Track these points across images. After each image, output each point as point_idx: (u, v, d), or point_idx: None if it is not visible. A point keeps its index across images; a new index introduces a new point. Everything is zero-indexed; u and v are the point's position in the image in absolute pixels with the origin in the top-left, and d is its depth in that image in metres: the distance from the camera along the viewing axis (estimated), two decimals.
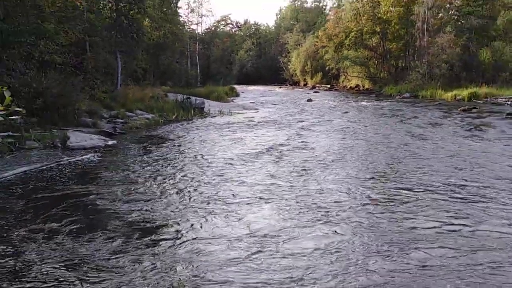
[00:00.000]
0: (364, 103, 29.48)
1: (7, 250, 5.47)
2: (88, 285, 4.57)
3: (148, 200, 7.66)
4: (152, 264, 5.10)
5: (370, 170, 9.85)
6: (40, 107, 14.37)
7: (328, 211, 6.93)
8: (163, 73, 34.22)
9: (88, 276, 4.78)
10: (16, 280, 4.68)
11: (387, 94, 36.72)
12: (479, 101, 27.16)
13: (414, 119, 19.55)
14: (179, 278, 4.43)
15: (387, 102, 29.34)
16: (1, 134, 12.35)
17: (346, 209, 7.04)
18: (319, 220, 6.55)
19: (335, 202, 7.45)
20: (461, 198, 7.66)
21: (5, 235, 5.99)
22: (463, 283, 4.55)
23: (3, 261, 5.14)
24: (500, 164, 10.41)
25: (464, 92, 29.16)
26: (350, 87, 48.80)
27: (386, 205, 7.27)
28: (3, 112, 3.30)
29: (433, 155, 11.51)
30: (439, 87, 32.22)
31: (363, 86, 46.48)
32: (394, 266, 5.00)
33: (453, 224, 6.35)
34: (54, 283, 4.62)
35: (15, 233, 6.06)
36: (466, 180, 8.85)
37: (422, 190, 8.18)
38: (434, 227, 6.22)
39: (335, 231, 6.09)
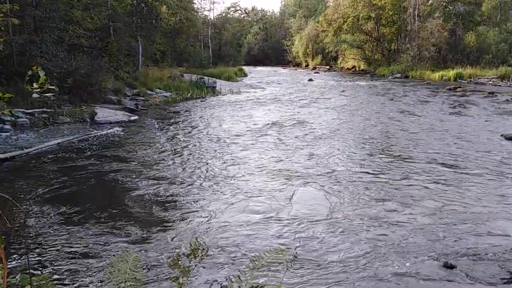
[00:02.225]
0: (359, 82, 29.20)
1: (46, 207, 5.58)
2: (117, 242, 4.66)
3: (167, 168, 7.73)
4: (170, 228, 5.18)
5: (364, 142, 9.84)
6: (70, 86, 14.38)
7: (321, 176, 6.98)
8: (179, 55, 33.93)
9: (111, 237, 4.88)
10: (50, 236, 4.79)
11: (381, 75, 36.29)
12: (463, 81, 26.82)
13: (405, 97, 19.38)
14: (196, 239, 4.49)
15: (380, 82, 29.04)
16: (37, 110, 12.42)
17: (341, 176, 7.07)
18: (311, 184, 6.60)
19: (330, 169, 7.48)
20: (444, 164, 7.71)
21: (43, 195, 6.10)
22: (441, 225, 4.61)
23: (45, 214, 5.25)
24: (480, 136, 10.39)
25: (450, 73, 28.77)
26: (347, 68, 48.22)
27: (376, 172, 7.30)
28: (38, 90, 3.29)
29: (420, 129, 11.47)
30: (428, 68, 31.82)
31: (359, 67, 45.92)
32: (379, 223, 5.06)
33: (437, 184, 6.39)
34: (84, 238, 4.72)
35: (51, 194, 6.17)
36: (449, 150, 8.85)
37: (410, 158, 8.21)
38: (419, 188, 6.25)
39: (326, 193, 6.14)
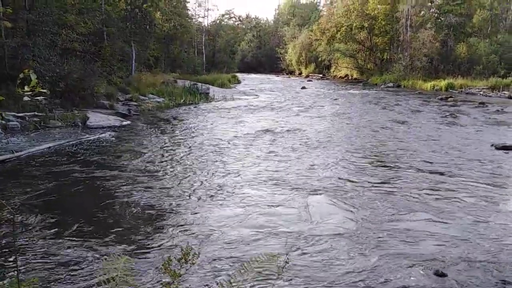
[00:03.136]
0: (352, 91, 29.38)
1: (34, 208, 5.52)
2: (112, 242, 4.62)
3: (158, 174, 7.69)
4: (161, 234, 5.15)
5: (355, 150, 9.88)
6: (62, 90, 14.31)
7: (313, 183, 6.98)
8: (172, 61, 33.93)
9: (104, 237, 4.84)
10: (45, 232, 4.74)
11: (373, 84, 36.56)
12: (455, 91, 27.10)
13: (397, 106, 19.52)
14: (187, 243, 4.46)
15: (373, 91, 29.26)
16: (28, 113, 12.32)
17: (332, 185, 7.09)
18: (304, 190, 6.61)
19: (321, 176, 7.49)
20: (435, 173, 7.76)
21: (32, 199, 6.03)
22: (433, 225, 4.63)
23: (35, 218, 5.19)
24: (471, 146, 10.48)
25: (442, 83, 29.07)
26: (340, 76, 48.51)
27: (368, 181, 7.32)
28: (29, 93, 3.28)
29: (412, 138, 11.55)
30: (420, 78, 32.14)
31: (352, 76, 46.22)
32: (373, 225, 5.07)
33: (428, 193, 6.42)
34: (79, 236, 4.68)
35: (41, 198, 6.11)
36: (441, 160, 8.92)
37: (401, 167, 8.24)
38: (409, 197, 6.27)
39: (318, 201, 6.15)
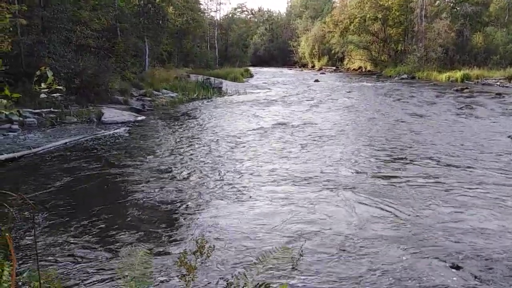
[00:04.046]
0: (366, 83, 29.12)
1: (52, 201, 5.63)
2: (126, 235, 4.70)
3: (174, 169, 7.76)
4: (178, 228, 5.22)
5: (371, 144, 9.82)
6: (77, 86, 14.49)
7: (327, 178, 6.98)
8: (185, 56, 34.05)
9: (119, 230, 4.92)
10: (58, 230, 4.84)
11: (387, 76, 36.18)
12: (471, 82, 26.67)
13: (411, 98, 19.30)
14: (202, 235, 4.50)
15: (387, 83, 28.96)
16: (44, 110, 12.53)
17: (347, 178, 7.07)
18: (319, 185, 6.60)
19: (340, 171, 7.48)
20: (451, 166, 7.68)
21: (50, 194, 6.15)
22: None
23: (57, 208, 5.30)
24: (487, 138, 10.33)
25: (457, 74, 28.63)
26: (354, 69, 48.11)
27: (383, 173, 7.29)
28: (46, 90, 3.34)
29: (427, 130, 11.42)
30: (435, 69, 31.70)
31: (365, 68, 45.79)
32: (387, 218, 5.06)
33: (444, 186, 6.37)
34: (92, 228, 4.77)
35: (58, 193, 6.23)
36: (457, 152, 8.81)
37: (417, 160, 8.18)
38: (425, 189, 6.23)
39: (334, 195, 6.14)
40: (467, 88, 22.93)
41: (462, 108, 15.59)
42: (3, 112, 3.46)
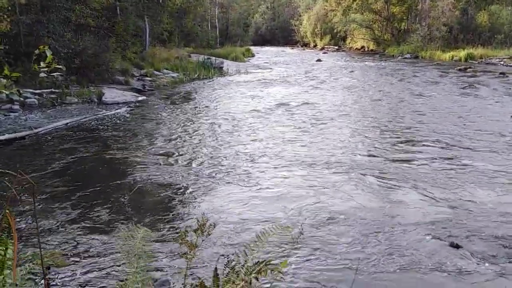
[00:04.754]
0: (368, 63, 28.86)
1: (57, 179, 5.67)
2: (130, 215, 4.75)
3: (175, 150, 7.78)
4: (178, 207, 5.26)
5: (374, 124, 9.79)
6: (78, 66, 14.39)
7: (331, 160, 6.99)
8: (186, 35, 33.68)
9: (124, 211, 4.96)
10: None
11: (390, 55, 35.81)
12: (474, 62, 26.41)
13: (414, 78, 19.16)
14: (203, 213, 4.54)
15: (390, 62, 28.70)
16: (45, 90, 12.50)
17: (349, 160, 7.08)
18: (323, 167, 6.62)
19: (339, 151, 7.49)
20: (452, 145, 7.70)
21: (51, 174, 6.19)
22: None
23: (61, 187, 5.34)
24: (489, 117, 10.30)
25: (461, 53, 28.32)
26: (356, 48, 47.58)
27: (384, 153, 7.30)
28: (45, 69, 3.32)
29: (430, 111, 11.38)
30: (438, 49, 31.34)
31: (368, 48, 45.27)
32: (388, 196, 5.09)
33: (445, 165, 6.38)
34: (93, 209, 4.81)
35: (59, 173, 6.27)
36: (458, 131, 8.81)
37: (419, 140, 8.19)
38: (427, 169, 6.24)
39: (335, 176, 6.17)
40: (470, 67, 22.72)
41: (465, 88, 15.48)
42: (3, 92, 3.45)
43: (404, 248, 4.10)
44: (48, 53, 3.63)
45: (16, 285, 1.94)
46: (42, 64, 3.61)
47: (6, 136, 8.23)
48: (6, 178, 4.78)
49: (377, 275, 3.65)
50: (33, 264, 2.14)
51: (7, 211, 1.43)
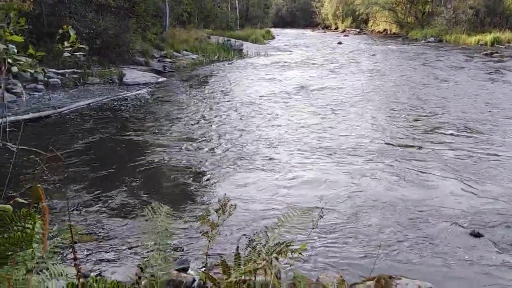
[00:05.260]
0: (391, 46, 28.29)
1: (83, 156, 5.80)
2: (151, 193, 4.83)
3: (196, 132, 7.84)
4: (200, 188, 5.32)
5: (395, 109, 9.66)
6: (99, 47, 14.50)
7: (353, 146, 6.95)
8: (206, 17, 33.51)
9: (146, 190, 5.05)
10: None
11: (413, 38, 35.00)
12: (501, 46, 25.64)
13: (438, 62, 18.72)
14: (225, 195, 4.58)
15: (413, 46, 28.07)
16: (68, 70, 12.67)
17: (373, 146, 7.02)
18: (344, 153, 6.59)
19: (361, 137, 7.42)
20: (477, 133, 7.54)
21: (75, 153, 6.32)
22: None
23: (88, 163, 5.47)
24: None
25: (487, 37, 27.48)
26: (378, 31, 46.64)
27: (408, 140, 7.21)
28: (69, 48, 3.35)
29: (454, 96, 11.14)
30: (464, 32, 30.46)
31: (391, 31, 44.34)
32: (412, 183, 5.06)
33: (469, 153, 6.29)
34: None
35: (82, 152, 6.39)
36: (483, 118, 8.62)
37: (443, 126, 8.04)
38: (450, 156, 6.15)
39: (357, 161, 6.13)
40: (497, 52, 22.07)
41: (492, 73, 15.07)
42: (28, 71, 3.52)
43: (424, 236, 4.08)
44: (72, 32, 3.67)
45: (43, 257, 2.01)
46: (66, 43, 3.65)
47: (31, 115, 8.41)
48: (31, 156, 4.90)
49: (399, 259, 3.65)
50: (61, 238, 2.20)
51: (38, 185, 1.46)
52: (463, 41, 29.16)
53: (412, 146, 6.87)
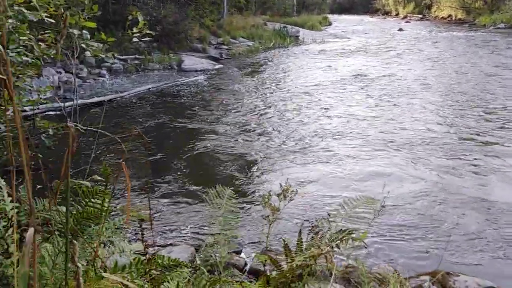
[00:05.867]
0: (456, 33, 26.82)
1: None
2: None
3: (248, 119, 7.91)
4: (262, 173, 5.38)
5: (459, 101, 9.17)
6: (159, 34, 14.93)
7: (414, 139, 6.72)
8: (263, 3, 33.44)
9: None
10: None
11: (481, 25, 32.93)
12: None
13: (508, 50, 17.53)
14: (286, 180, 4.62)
15: (480, 33, 26.45)
16: (130, 56, 13.17)
17: (438, 140, 6.76)
18: (405, 147, 6.40)
19: (424, 130, 7.16)
20: None
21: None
22: None
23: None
24: None
25: None
26: (442, 17, 44.31)
27: (474, 132, 6.86)
28: (138, 34, 3.49)
29: None
30: None
31: (456, 17, 41.99)
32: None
33: None
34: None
35: (145, 135, 6.66)
36: None
37: (509, 121, 7.56)
38: None
39: (414, 157, 5.93)
40: None
41: None
42: (99, 55, 3.71)
43: (486, 229, 3.91)
44: (140, 18, 3.81)
45: (118, 228, 2.14)
46: (134, 29, 3.81)
47: (96, 99, 8.90)
48: (103, 138, 5.16)
49: (467, 258, 3.52)
50: (128, 216, 2.33)
51: (123, 162, 1.56)
52: None
53: (488, 143, 6.42)
